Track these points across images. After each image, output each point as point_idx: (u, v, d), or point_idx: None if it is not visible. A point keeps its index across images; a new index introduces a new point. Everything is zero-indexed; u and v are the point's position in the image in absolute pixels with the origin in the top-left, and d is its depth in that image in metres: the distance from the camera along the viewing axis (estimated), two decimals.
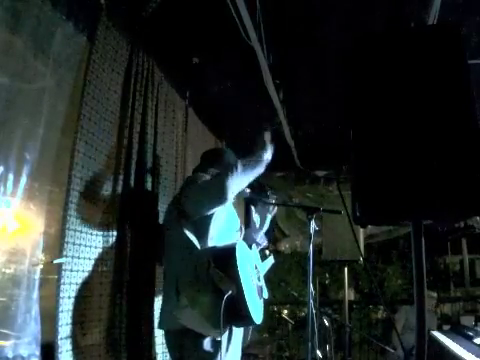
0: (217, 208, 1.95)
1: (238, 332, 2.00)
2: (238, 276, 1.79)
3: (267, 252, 2.68)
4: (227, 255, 1.87)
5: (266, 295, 2.26)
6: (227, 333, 1.88)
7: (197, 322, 1.80)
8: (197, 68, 2.79)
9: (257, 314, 1.90)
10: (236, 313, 1.81)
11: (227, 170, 1.92)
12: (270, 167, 2.11)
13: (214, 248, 1.93)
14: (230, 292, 1.75)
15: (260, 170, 2.05)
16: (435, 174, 1.00)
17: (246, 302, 1.79)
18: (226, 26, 2.27)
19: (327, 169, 4.92)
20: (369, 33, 1.20)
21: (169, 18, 2.32)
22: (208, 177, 2.04)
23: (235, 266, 1.80)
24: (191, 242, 1.92)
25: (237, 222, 2.20)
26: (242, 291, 1.78)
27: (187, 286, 1.87)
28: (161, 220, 2.42)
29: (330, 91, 3.01)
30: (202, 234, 1.96)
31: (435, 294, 4.86)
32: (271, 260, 2.56)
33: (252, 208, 2.61)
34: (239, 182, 1.94)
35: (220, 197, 1.90)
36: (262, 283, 2.17)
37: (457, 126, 1.02)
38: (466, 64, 1.07)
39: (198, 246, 1.92)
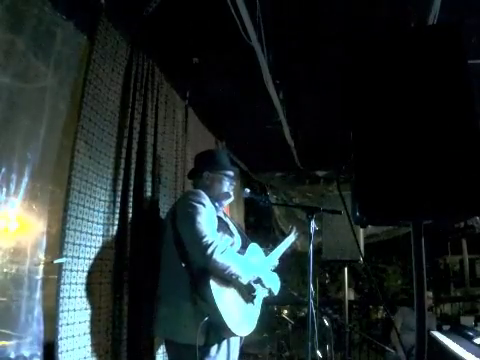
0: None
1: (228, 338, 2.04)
2: (214, 303, 1.87)
3: (292, 228, 2.71)
4: (203, 281, 1.93)
5: (266, 293, 2.26)
6: (216, 341, 1.96)
7: (176, 333, 1.93)
8: (197, 68, 2.79)
9: (240, 327, 1.98)
10: (218, 328, 1.92)
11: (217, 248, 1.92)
12: (270, 167, 2.12)
13: (194, 271, 1.97)
14: (206, 318, 1.86)
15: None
16: (435, 174, 1.00)
17: (225, 323, 1.88)
18: (226, 26, 2.27)
19: (327, 169, 4.92)
20: (369, 35, 1.20)
21: (169, 18, 2.32)
22: (201, 210, 2.03)
23: (211, 296, 1.88)
24: (178, 259, 2.00)
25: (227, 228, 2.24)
26: (221, 317, 1.87)
27: (169, 298, 2.01)
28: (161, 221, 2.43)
29: (330, 91, 3.01)
30: None
31: (430, 293, 4.84)
32: (287, 242, 2.58)
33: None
34: (223, 260, 1.93)
35: (200, 258, 1.93)
36: (262, 282, 2.16)
37: (457, 126, 1.02)
38: (466, 64, 1.07)
39: (182, 264, 1.99)
